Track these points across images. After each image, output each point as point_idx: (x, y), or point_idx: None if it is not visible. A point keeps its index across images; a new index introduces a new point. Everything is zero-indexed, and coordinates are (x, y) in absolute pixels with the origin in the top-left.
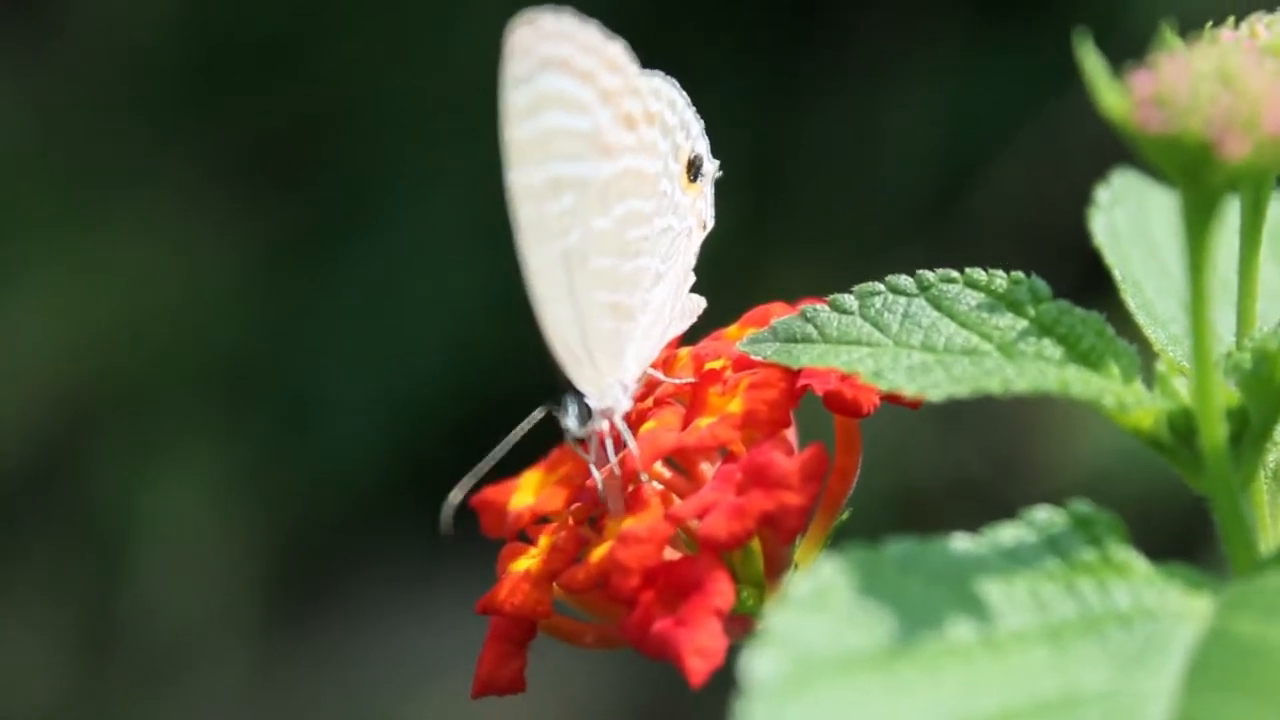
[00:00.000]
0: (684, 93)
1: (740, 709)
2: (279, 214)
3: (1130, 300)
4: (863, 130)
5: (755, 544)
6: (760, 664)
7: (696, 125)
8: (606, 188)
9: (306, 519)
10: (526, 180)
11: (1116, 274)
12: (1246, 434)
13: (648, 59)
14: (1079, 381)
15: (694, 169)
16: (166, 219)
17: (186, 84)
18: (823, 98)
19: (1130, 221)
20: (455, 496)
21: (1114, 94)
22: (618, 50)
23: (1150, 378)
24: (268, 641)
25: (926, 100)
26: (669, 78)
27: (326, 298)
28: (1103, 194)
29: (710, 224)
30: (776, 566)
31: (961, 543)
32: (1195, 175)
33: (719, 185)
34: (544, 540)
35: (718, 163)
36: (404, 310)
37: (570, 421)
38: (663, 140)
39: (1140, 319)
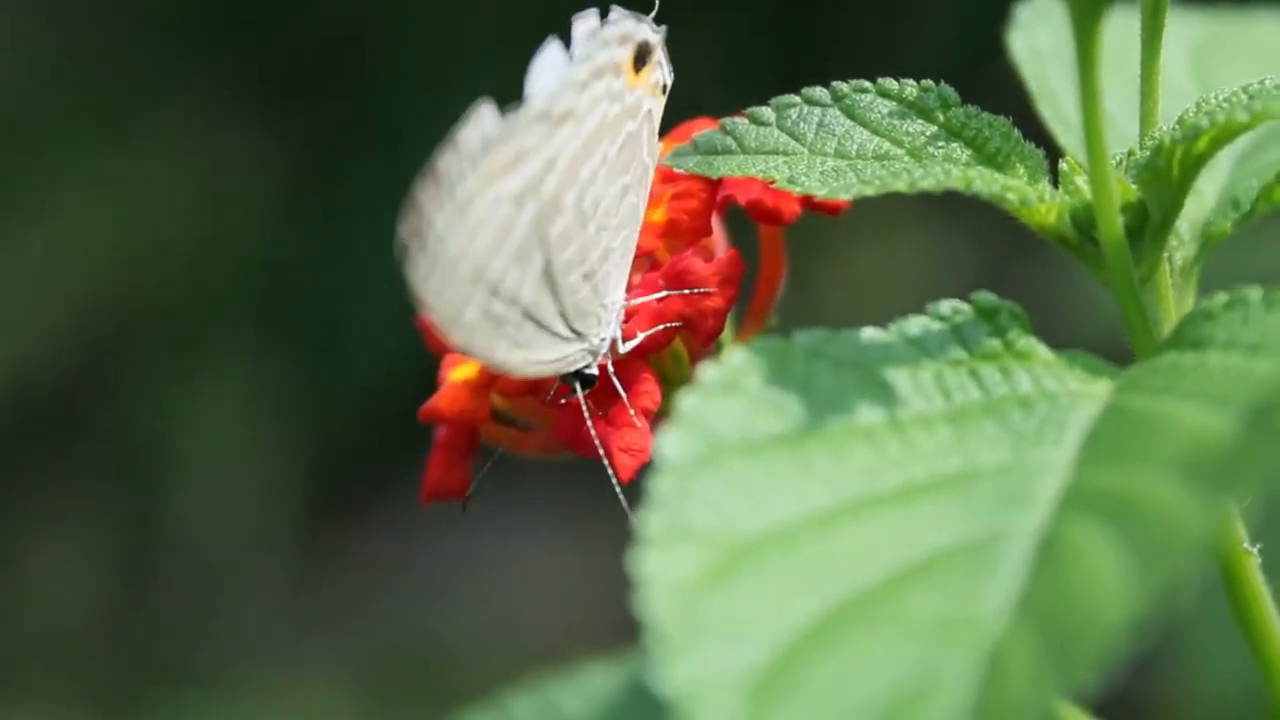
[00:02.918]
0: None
1: (651, 484)
2: (307, 127)
3: (1044, 110)
4: (884, 33)
5: (680, 347)
6: (670, 443)
7: (630, 22)
8: (556, 199)
9: (343, 432)
10: (465, 333)
11: (1032, 86)
12: (1147, 227)
13: None
14: (982, 179)
15: (640, 59)
16: (194, 134)
17: None
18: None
19: (1051, 39)
20: (472, 499)
21: None
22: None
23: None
24: (306, 555)
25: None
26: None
27: (356, 210)
28: (1024, 12)
29: (669, 81)
30: None
31: (870, 333)
32: None
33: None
34: None
35: (663, 28)
36: None
37: (583, 391)
38: (610, 80)
39: (1054, 127)
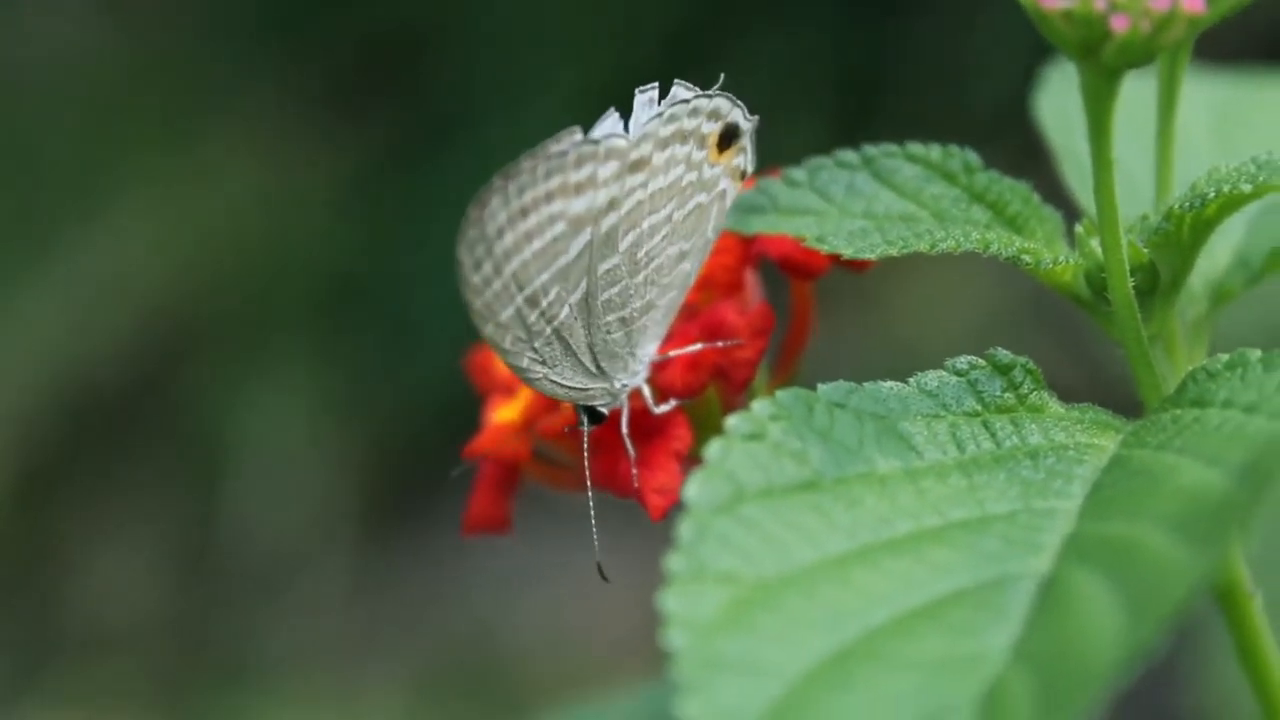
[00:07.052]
0: (724, 91)
1: (678, 525)
2: (375, 131)
3: (1067, 171)
4: (957, 35)
5: (712, 394)
6: (694, 488)
7: (727, 103)
8: (608, 236)
9: (403, 435)
10: (498, 332)
11: (1056, 148)
12: (1157, 288)
13: None
14: (999, 241)
15: (726, 139)
16: (263, 137)
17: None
18: (916, 4)
19: (1077, 102)
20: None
21: None
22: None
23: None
24: (364, 556)
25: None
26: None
27: (422, 214)
28: (1052, 75)
29: (750, 170)
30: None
31: (890, 385)
32: (1090, 51)
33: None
34: (524, 391)
35: (756, 118)
36: None
37: (590, 428)
38: (692, 148)
39: (1076, 188)
